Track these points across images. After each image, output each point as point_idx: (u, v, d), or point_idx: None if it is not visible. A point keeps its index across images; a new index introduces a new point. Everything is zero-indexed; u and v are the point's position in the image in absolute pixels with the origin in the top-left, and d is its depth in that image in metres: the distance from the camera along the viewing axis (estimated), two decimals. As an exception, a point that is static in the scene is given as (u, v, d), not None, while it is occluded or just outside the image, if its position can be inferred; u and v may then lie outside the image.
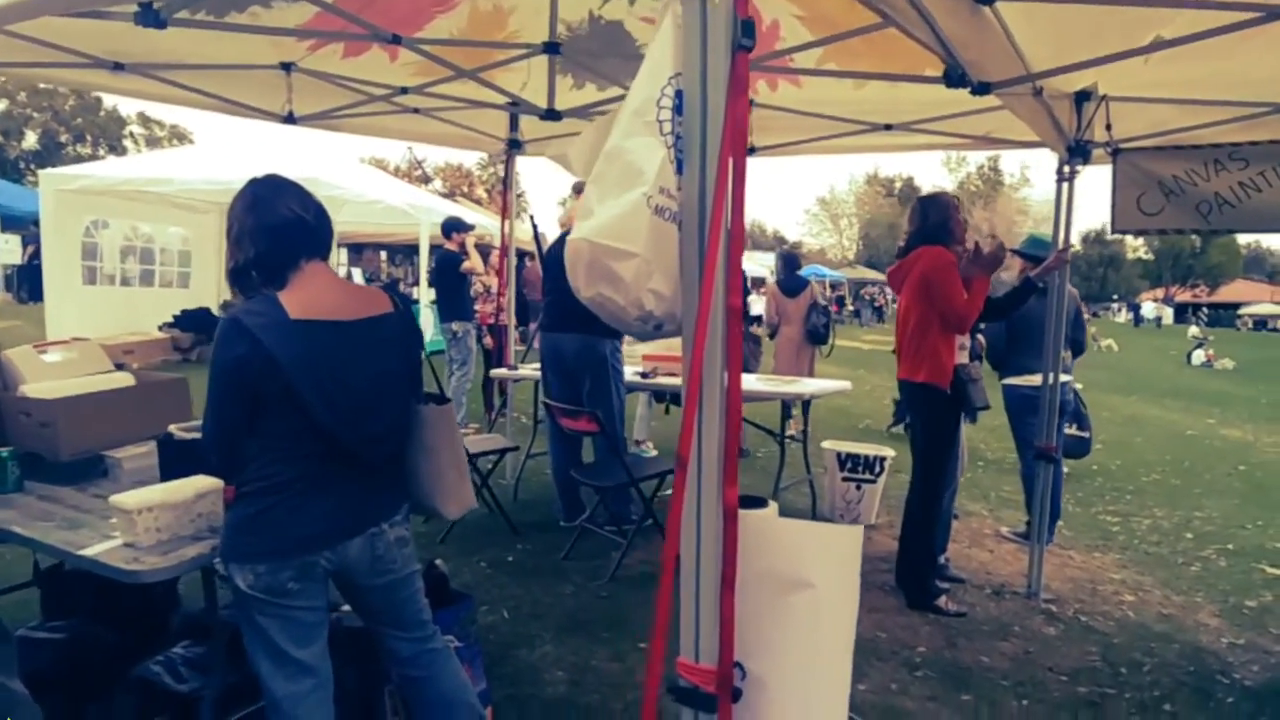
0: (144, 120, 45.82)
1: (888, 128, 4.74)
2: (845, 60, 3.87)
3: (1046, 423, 4.17)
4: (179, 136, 44.84)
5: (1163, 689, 3.27)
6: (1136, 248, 63.20)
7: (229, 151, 11.93)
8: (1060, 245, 4.05)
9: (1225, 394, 15.32)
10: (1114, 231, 4.11)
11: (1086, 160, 4.01)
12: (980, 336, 5.06)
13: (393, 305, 2.17)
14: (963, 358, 3.87)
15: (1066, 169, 4.02)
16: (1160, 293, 62.10)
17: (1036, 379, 4.81)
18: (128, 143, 44.94)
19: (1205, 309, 53.53)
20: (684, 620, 1.61)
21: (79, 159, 37.06)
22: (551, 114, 4.71)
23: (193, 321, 12.61)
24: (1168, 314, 52.62)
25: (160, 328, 12.47)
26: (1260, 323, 50.60)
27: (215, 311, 13.27)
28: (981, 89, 3.02)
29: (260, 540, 1.95)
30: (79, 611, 3.05)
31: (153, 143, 44.41)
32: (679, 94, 1.61)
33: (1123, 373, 18.15)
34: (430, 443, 2.27)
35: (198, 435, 2.61)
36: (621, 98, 4.88)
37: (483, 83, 4.38)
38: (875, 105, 4.45)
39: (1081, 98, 3.77)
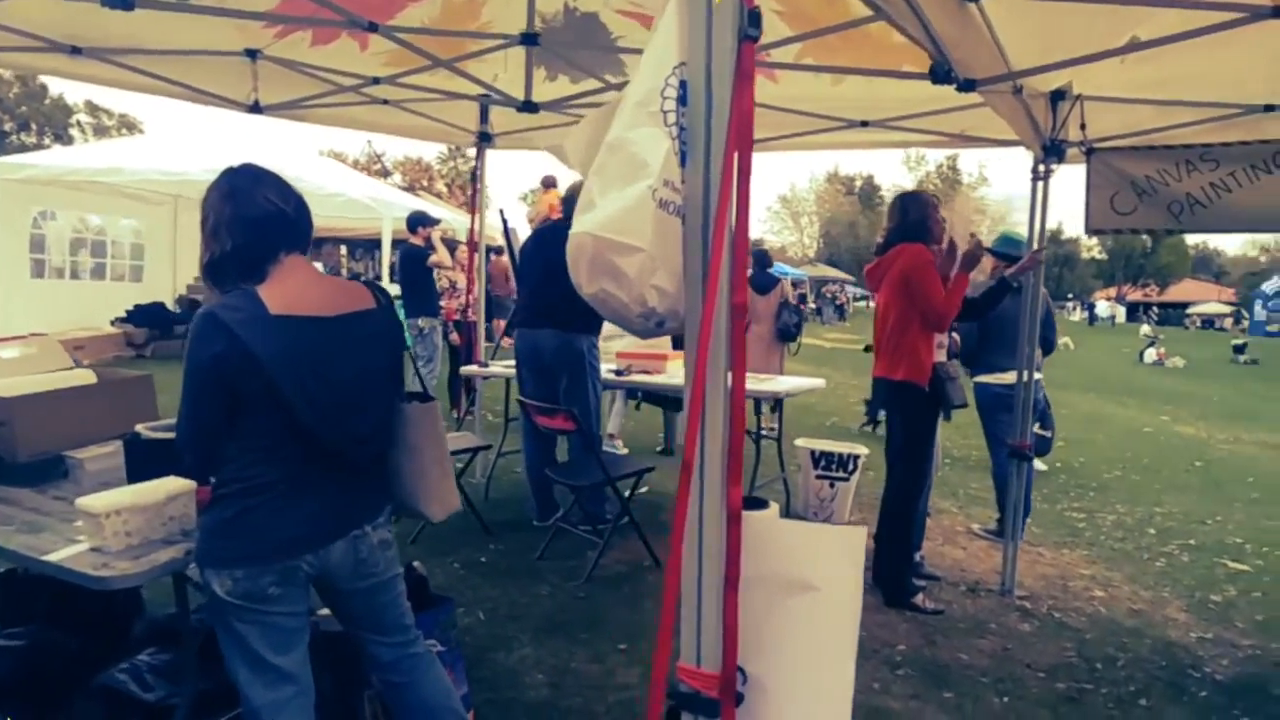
0: (91, 109, 44.65)
1: (864, 124, 4.74)
2: (823, 56, 3.85)
3: (1020, 421, 4.20)
4: (128, 126, 43.73)
5: (1138, 684, 3.31)
6: (1091, 247, 64.68)
7: (182, 142, 11.63)
8: (1035, 244, 4.08)
9: (1177, 391, 15.68)
10: (1088, 231, 4.15)
11: (1061, 159, 4.04)
12: (954, 334, 5.09)
13: (375, 300, 2.10)
14: (940, 356, 3.88)
15: (1041, 168, 4.05)
16: (1113, 292, 63.56)
17: (1008, 377, 4.86)
18: (74, 131, 43.76)
19: (1155, 308, 54.88)
20: (685, 624, 1.57)
21: (24, 148, 35.97)
22: (529, 106, 4.62)
23: (146, 317, 12.29)
24: (1121, 313, 53.85)
25: (113, 323, 12.13)
26: (1208, 322, 51.94)
27: (170, 306, 12.95)
28: (967, 86, 3.02)
29: (239, 544, 1.87)
30: (36, 617, 2.93)
31: (100, 132, 43.28)
32: (683, 84, 1.56)
33: (1080, 370, 18.50)
34: (414, 442, 2.20)
35: (166, 435, 2.51)
36: (597, 91, 4.84)
37: (458, 72, 4.29)
38: (852, 102, 4.44)
39: (1056, 97, 3.80)
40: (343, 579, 2.05)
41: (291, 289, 1.92)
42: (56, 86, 43.12)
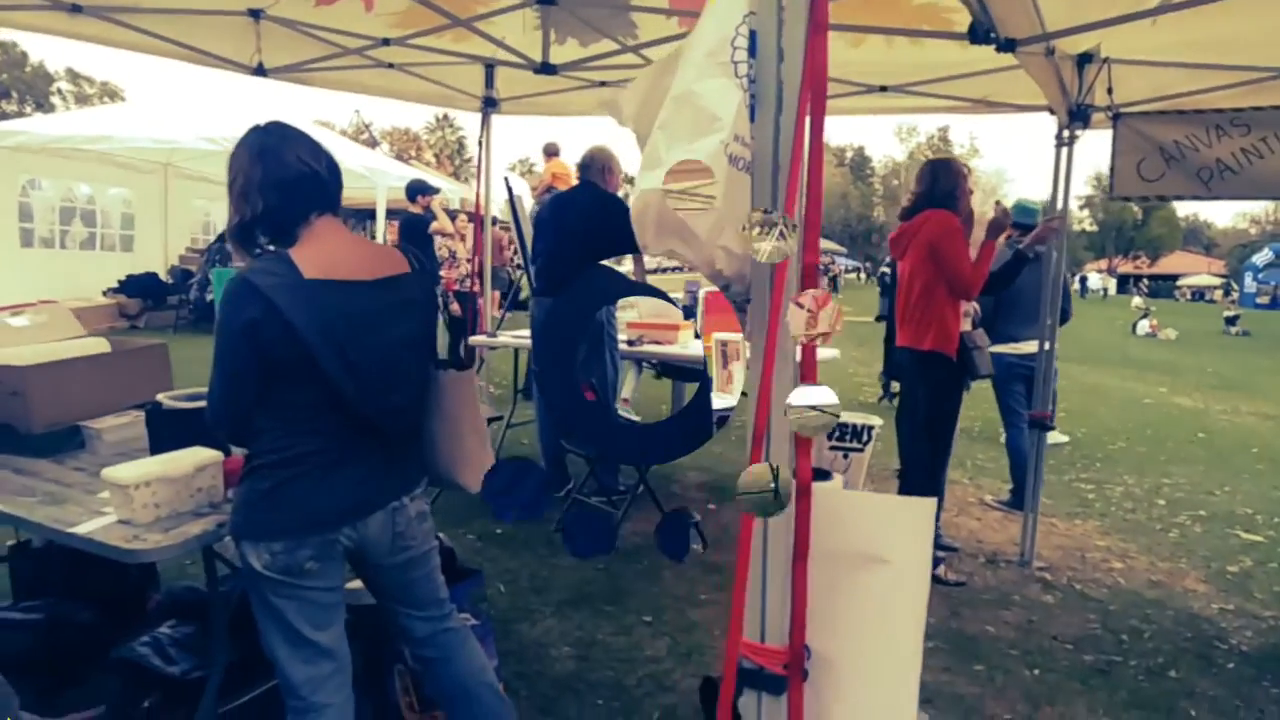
0: (72, 76, 43.97)
1: (882, 89, 4.65)
2: (841, 19, 3.75)
3: (1041, 390, 4.16)
4: (110, 94, 43.09)
5: (1165, 655, 3.29)
6: (1081, 219, 64.62)
7: (171, 109, 11.40)
8: (1057, 212, 4.01)
9: (1173, 363, 15.71)
10: (1112, 197, 4.09)
11: (1086, 124, 3.96)
12: (976, 304, 5.03)
13: (409, 264, 2.01)
14: (966, 325, 3.82)
15: (1066, 133, 3.97)
16: (1104, 264, 63.65)
17: (1023, 347, 4.82)
18: (55, 99, 43.10)
19: (1146, 280, 54.99)
20: (750, 599, 1.52)
21: (4, 116, 35.38)
22: (547, 68, 4.49)
23: (139, 287, 12.14)
24: (1112, 285, 53.90)
25: (105, 293, 11.96)
26: (1198, 294, 52.08)
27: (162, 276, 12.78)
28: (1007, 45, 2.92)
29: (278, 517, 1.80)
30: (51, 590, 2.88)
31: (82, 100, 42.64)
32: (753, 34, 1.48)
33: (1075, 342, 18.46)
34: (450, 410, 2.13)
35: (188, 405, 2.44)
36: (608, 54, 4.71)
37: (474, 30, 4.16)
38: (870, 66, 4.34)
39: (1083, 60, 3.72)
40: (380, 552, 1.98)
41: (325, 252, 1.84)
42: (37, 54, 42.40)
